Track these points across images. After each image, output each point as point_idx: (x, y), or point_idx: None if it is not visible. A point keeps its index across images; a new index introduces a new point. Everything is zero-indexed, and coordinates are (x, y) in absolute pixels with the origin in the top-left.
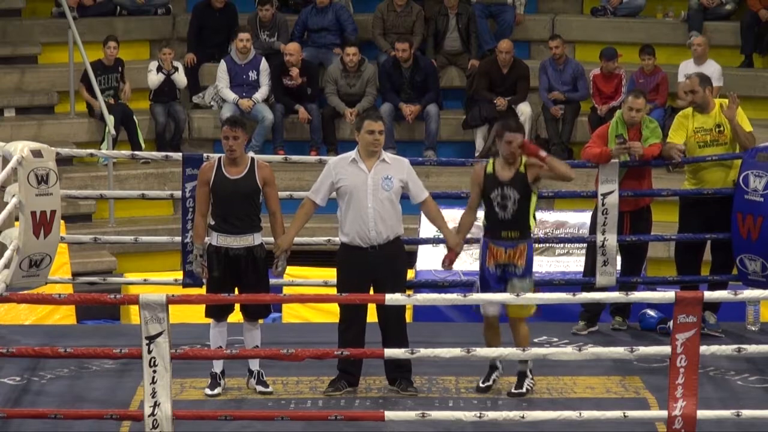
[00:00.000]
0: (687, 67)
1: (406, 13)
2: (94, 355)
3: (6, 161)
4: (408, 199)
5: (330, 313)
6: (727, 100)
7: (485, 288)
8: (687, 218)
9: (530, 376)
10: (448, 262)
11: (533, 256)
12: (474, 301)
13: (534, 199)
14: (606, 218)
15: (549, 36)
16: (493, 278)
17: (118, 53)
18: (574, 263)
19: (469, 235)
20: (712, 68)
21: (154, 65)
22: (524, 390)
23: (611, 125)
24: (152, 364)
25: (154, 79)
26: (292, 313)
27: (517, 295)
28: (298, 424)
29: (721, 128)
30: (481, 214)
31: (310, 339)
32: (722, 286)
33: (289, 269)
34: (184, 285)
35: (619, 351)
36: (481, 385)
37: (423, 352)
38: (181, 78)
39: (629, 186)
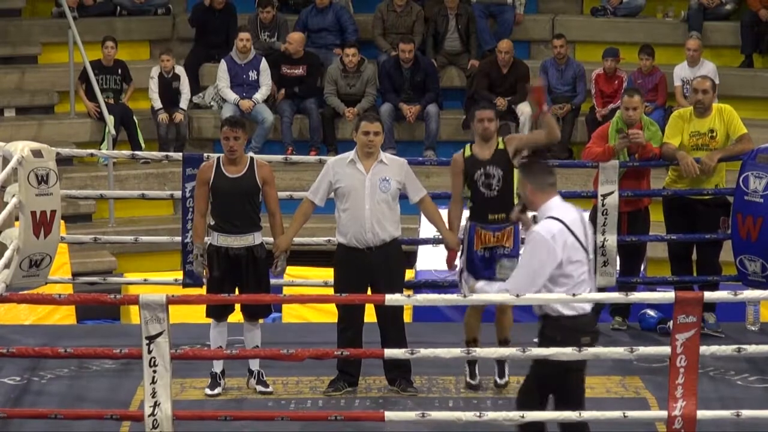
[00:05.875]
0: (682, 71)
1: (406, 13)
2: (94, 355)
3: (6, 161)
4: (408, 199)
5: (330, 313)
6: (726, 105)
7: (473, 272)
8: (672, 218)
9: (506, 361)
10: (452, 262)
11: (520, 236)
12: (474, 302)
13: (516, 175)
14: (606, 219)
15: (550, 36)
16: (481, 262)
17: (116, 53)
18: None
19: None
20: (707, 68)
21: (155, 71)
22: (507, 377)
23: (611, 124)
24: (152, 364)
25: (155, 96)
26: (292, 313)
27: (517, 296)
28: (298, 423)
29: (714, 134)
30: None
31: (310, 339)
32: (713, 286)
33: (289, 269)
34: (184, 285)
35: (619, 351)
36: (473, 382)
37: (423, 352)
38: (185, 90)
39: (628, 186)
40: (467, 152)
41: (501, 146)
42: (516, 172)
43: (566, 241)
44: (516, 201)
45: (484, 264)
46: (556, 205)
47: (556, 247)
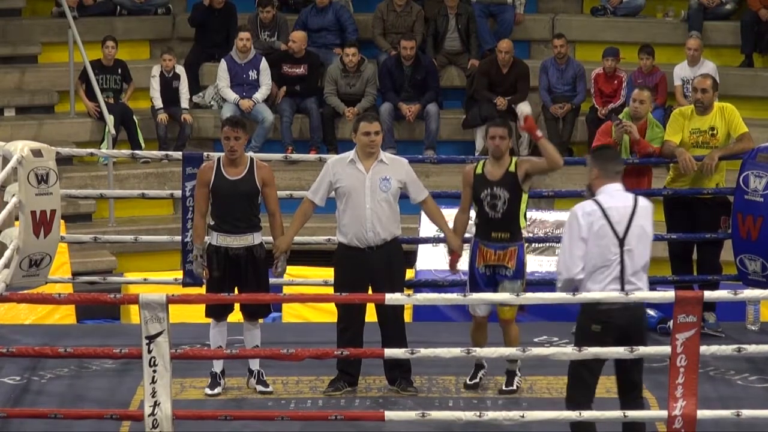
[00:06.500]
0: (682, 70)
1: (406, 13)
2: (94, 355)
3: (6, 161)
4: (408, 198)
5: (330, 313)
6: (727, 104)
7: (474, 289)
8: (673, 218)
9: (519, 375)
10: (455, 264)
11: (524, 258)
12: (473, 301)
13: (525, 198)
14: None
15: (550, 35)
16: (482, 279)
17: (116, 53)
18: None
19: (467, 234)
20: (707, 67)
21: (156, 70)
22: (515, 387)
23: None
24: (152, 363)
25: (156, 95)
26: (292, 313)
27: (517, 295)
28: (298, 423)
29: (714, 132)
30: (473, 213)
31: (310, 339)
32: (713, 286)
33: (289, 269)
34: (184, 285)
35: (619, 351)
36: (468, 382)
37: (423, 352)
38: (184, 90)
39: (628, 185)
40: (479, 169)
41: (512, 168)
42: (524, 195)
43: (593, 223)
44: (522, 224)
45: (485, 282)
46: (608, 191)
47: (583, 224)
